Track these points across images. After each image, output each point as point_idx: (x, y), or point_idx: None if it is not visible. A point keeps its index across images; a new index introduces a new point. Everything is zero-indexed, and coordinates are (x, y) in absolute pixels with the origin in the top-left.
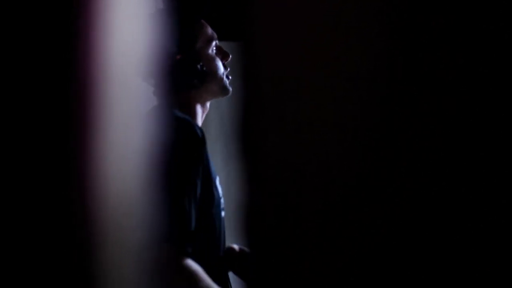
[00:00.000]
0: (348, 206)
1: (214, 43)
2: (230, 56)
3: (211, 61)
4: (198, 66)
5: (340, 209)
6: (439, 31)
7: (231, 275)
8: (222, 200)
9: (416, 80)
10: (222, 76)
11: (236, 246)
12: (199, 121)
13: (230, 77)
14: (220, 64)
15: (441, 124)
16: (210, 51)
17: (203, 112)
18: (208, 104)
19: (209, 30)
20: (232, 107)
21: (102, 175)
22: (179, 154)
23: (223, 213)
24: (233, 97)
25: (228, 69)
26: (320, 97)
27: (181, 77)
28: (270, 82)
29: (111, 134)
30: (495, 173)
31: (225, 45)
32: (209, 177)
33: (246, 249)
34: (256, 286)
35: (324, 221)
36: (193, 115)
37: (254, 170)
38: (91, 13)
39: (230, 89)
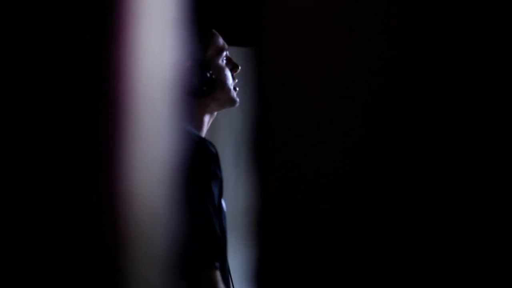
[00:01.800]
0: (356, 206)
1: (224, 53)
2: (240, 68)
3: (220, 71)
4: (208, 74)
5: (349, 209)
6: (442, 31)
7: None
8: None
9: (420, 79)
10: (230, 86)
11: None
12: (205, 130)
13: (238, 88)
14: (229, 75)
15: (449, 124)
16: (220, 61)
17: (209, 121)
18: (215, 113)
19: (221, 40)
20: (242, 112)
21: (132, 187)
22: (201, 171)
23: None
24: (243, 102)
25: (236, 81)
26: (328, 100)
27: (190, 84)
28: (280, 87)
29: (139, 144)
30: (497, 173)
31: (236, 51)
32: (222, 193)
33: None
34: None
35: (332, 221)
36: (200, 123)
37: (262, 172)
38: (120, 21)
39: (238, 100)
